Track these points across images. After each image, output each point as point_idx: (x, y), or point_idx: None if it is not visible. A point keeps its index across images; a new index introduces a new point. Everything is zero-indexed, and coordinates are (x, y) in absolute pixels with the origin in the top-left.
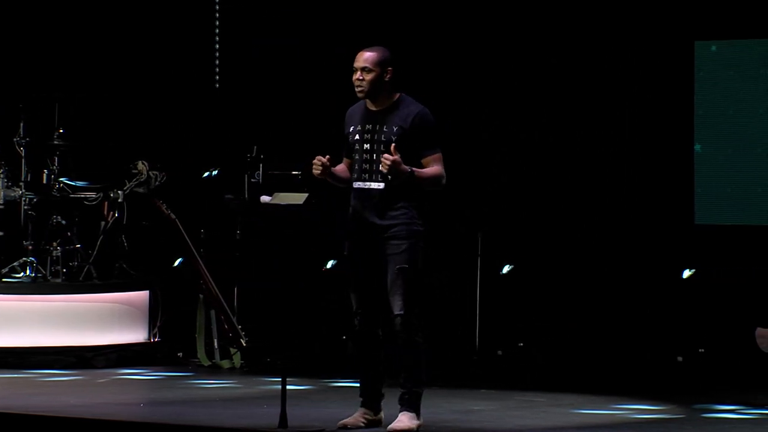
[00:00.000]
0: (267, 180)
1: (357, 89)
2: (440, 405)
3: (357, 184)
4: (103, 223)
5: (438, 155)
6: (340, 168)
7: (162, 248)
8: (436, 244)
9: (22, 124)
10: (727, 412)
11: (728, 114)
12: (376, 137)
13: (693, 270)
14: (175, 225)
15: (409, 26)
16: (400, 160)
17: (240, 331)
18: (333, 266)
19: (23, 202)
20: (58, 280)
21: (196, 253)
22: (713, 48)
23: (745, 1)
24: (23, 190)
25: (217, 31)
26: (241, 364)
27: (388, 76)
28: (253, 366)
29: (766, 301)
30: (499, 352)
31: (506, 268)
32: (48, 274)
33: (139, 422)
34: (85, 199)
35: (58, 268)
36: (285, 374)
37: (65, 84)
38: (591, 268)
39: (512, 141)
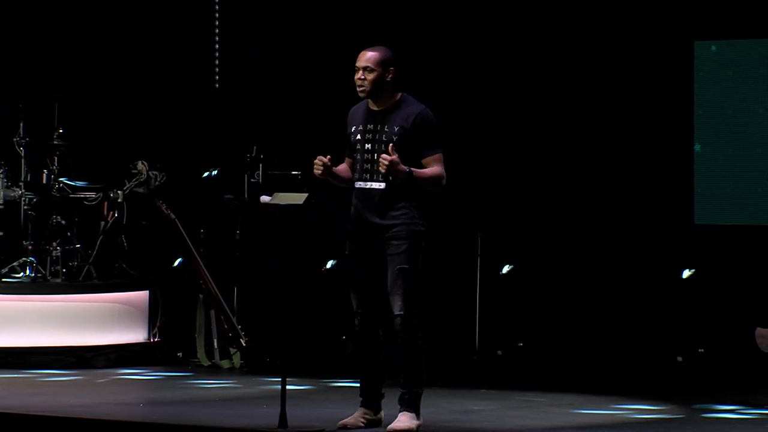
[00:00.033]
0: (267, 180)
1: (358, 89)
2: (440, 405)
3: (358, 184)
4: (102, 223)
5: (438, 155)
6: (342, 168)
7: (162, 248)
8: (436, 244)
9: (21, 124)
10: (727, 412)
11: (728, 114)
12: (377, 137)
13: (693, 270)
14: (175, 225)
15: (409, 26)
16: (398, 160)
17: (240, 331)
18: (333, 266)
19: (23, 202)
20: (58, 280)
21: (195, 253)
22: (713, 48)
23: (745, 1)
24: (23, 190)
25: (217, 31)
26: (241, 364)
27: (390, 75)
28: (253, 366)
29: (766, 301)
30: (499, 352)
31: (506, 268)
32: (48, 274)
33: (138, 422)
34: (85, 199)
35: (58, 268)
36: (285, 374)
37: (65, 84)
38: (591, 268)
39: (512, 141)
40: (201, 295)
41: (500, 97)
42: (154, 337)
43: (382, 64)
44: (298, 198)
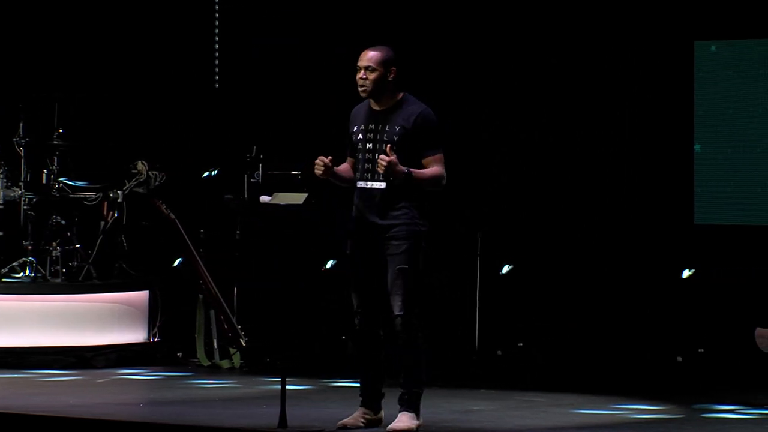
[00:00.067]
0: (266, 180)
1: (360, 88)
2: (440, 405)
3: (359, 184)
4: (102, 223)
5: (439, 155)
6: (343, 167)
7: (161, 248)
8: (436, 244)
9: (21, 124)
10: (727, 412)
11: (728, 114)
12: (378, 137)
13: (692, 270)
14: (175, 225)
15: (409, 26)
16: (396, 161)
17: (239, 331)
18: (333, 266)
19: (23, 202)
20: (58, 280)
21: (195, 253)
22: (713, 48)
23: (745, 1)
24: (23, 190)
25: (217, 31)
26: (241, 364)
27: (391, 75)
28: (253, 366)
29: (766, 301)
30: (499, 352)
31: (506, 268)
32: (47, 274)
33: (138, 422)
34: (85, 199)
35: (58, 268)
36: (285, 374)
37: (65, 84)
38: (591, 268)
39: (512, 141)
40: (201, 295)
41: (500, 97)
42: (154, 337)
43: (383, 64)
44: (298, 198)
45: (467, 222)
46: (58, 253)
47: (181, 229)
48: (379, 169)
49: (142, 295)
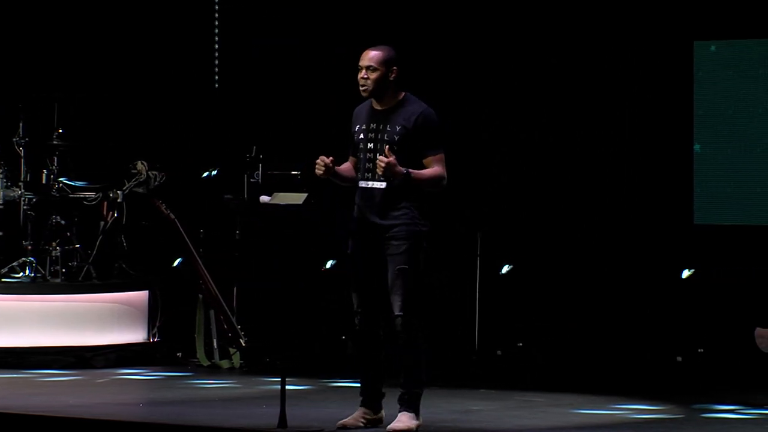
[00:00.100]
0: (266, 180)
1: (361, 88)
2: (439, 405)
3: (361, 183)
4: (102, 223)
5: (440, 156)
6: (345, 167)
7: (161, 248)
8: (436, 244)
9: (21, 124)
10: (727, 412)
11: (727, 114)
12: (379, 137)
13: (692, 270)
14: (175, 225)
15: (409, 26)
16: (395, 161)
17: (239, 331)
18: (332, 266)
19: (22, 202)
20: (58, 280)
21: (195, 253)
22: (712, 48)
23: (745, 1)
24: (22, 190)
25: (217, 31)
26: (241, 364)
27: (393, 75)
28: (253, 366)
29: (766, 301)
30: (499, 352)
31: (505, 268)
32: (47, 274)
33: (138, 422)
34: (85, 199)
35: (58, 268)
36: (284, 374)
37: (65, 84)
38: (590, 268)
39: (512, 141)
40: (200, 295)
41: (500, 97)
42: (154, 337)
43: (385, 64)
44: (298, 198)
45: (467, 222)
46: (58, 253)
47: (181, 229)
48: (378, 170)
49: (141, 295)
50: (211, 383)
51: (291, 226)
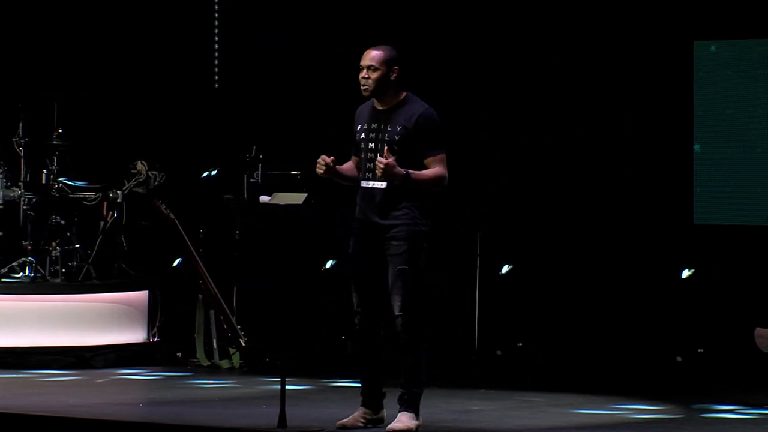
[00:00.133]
0: (266, 180)
1: (362, 87)
2: (439, 405)
3: (362, 183)
4: (102, 223)
5: (441, 156)
6: (348, 166)
7: (161, 248)
8: (436, 244)
9: (21, 124)
10: (726, 412)
11: (727, 114)
12: (380, 136)
13: (692, 270)
14: (174, 225)
15: (409, 26)
16: (393, 163)
17: (239, 331)
18: (332, 266)
19: (22, 202)
20: (57, 280)
21: (195, 253)
22: (712, 48)
23: (745, 1)
24: (22, 190)
25: (217, 31)
26: (240, 364)
27: (394, 75)
28: (252, 366)
29: (766, 301)
30: (499, 352)
31: (505, 268)
32: (47, 274)
33: (138, 422)
34: (84, 199)
35: (57, 268)
36: (284, 374)
37: (65, 84)
38: (590, 268)
39: (512, 141)
40: (200, 295)
41: (500, 97)
42: (154, 337)
43: (386, 63)
44: (298, 198)
45: (467, 222)
46: (58, 253)
47: (181, 229)
48: (377, 172)
49: (141, 295)
50: (210, 383)
51: (291, 226)
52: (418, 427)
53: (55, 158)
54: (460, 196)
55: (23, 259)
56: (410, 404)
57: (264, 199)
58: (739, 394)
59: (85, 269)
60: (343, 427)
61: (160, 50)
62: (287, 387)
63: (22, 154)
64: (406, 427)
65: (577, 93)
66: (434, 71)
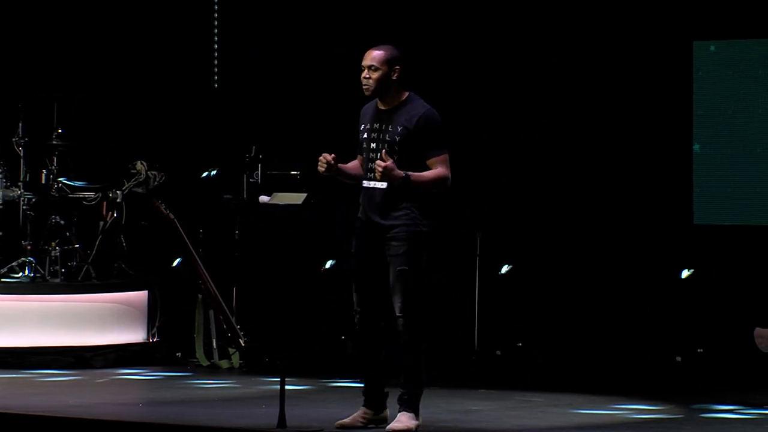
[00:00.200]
0: (266, 180)
1: (363, 87)
2: (439, 405)
3: (364, 183)
4: (101, 223)
5: (443, 156)
6: (352, 165)
7: (161, 248)
8: (436, 244)
9: (20, 124)
10: (726, 412)
11: (727, 114)
12: (381, 137)
13: (692, 270)
14: (174, 225)
15: (409, 26)
16: (392, 165)
17: (239, 331)
18: (332, 266)
19: (22, 202)
20: (57, 280)
21: (194, 253)
22: (712, 48)
23: (744, 1)
24: (22, 190)
25: (216, 31)
26: (240, 364)
27: (395, 75)
28: (252, 366)
29: (766, 301)
30: (498, 352)
31: (505, 268)
32: (47, 274)
33: (137, 422)
34: (84, 199)
35: (57, 268)
36: (284, 374)
37: (64, 84)
38: (590, 268)
39: (512, 141)
40: (200, 295)
41: (500, 97)
42: (153, 337)
43: (387, 63)
44: (297, 198)
45: (467, 222)
46: (57, 253)
47: (180, 229)
48: (376, 174)
49: (141, 295)
50: (210, 383)
51: (291, 226)
52: (417, 427)
53: (55, 158)
54: (460, 196)
55: (23, 259)
56: (410, 404)
57: (264, 199)
58: (739, 394)
59: (84, 269)
60: (343, 426)
61: (160, 50)
62: (287, 387)
63: (21, 154)
64: (405, 427)
65: (577, 93)
66: (435, 71)
